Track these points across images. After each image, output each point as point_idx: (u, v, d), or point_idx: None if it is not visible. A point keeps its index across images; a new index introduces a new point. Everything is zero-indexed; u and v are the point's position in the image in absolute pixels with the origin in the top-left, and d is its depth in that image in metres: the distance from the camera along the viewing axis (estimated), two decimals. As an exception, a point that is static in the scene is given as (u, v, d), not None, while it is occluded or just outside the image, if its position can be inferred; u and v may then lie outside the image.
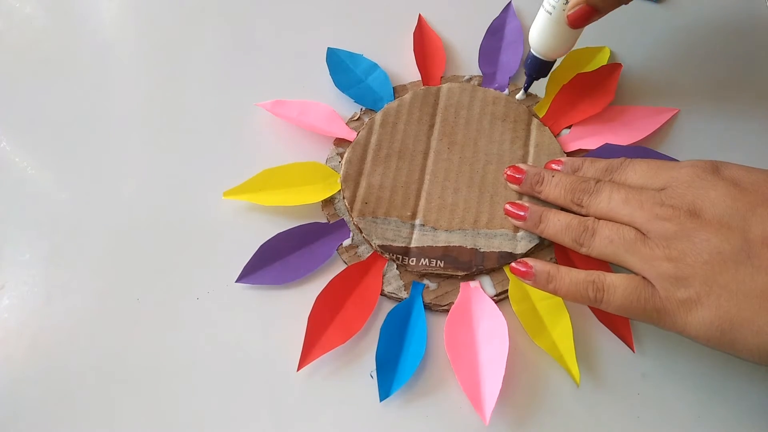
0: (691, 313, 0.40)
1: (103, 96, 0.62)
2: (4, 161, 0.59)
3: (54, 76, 0.64)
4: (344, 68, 0.62)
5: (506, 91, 0.59)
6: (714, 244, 0.40)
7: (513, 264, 0.49)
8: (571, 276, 0.46)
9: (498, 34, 0.63)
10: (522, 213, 0.51)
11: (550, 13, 0.51)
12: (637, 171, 0.48)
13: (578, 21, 0.50)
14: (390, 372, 0.47)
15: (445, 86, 0.59)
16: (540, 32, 0.53)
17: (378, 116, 0.58)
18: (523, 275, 0.48)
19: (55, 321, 0.51)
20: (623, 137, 0.56)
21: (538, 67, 0.55)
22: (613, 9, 0.51)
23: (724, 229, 0.40)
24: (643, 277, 0.43)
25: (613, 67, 0.59)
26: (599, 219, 0.46)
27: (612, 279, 0.44)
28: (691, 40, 0.63)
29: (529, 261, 0.48)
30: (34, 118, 0.61)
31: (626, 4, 0.51)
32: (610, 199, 0.46)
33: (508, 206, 0.52)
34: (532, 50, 0.54)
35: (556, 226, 0.48)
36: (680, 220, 0.42)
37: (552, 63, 0.55)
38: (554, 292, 0.46)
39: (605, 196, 0.46)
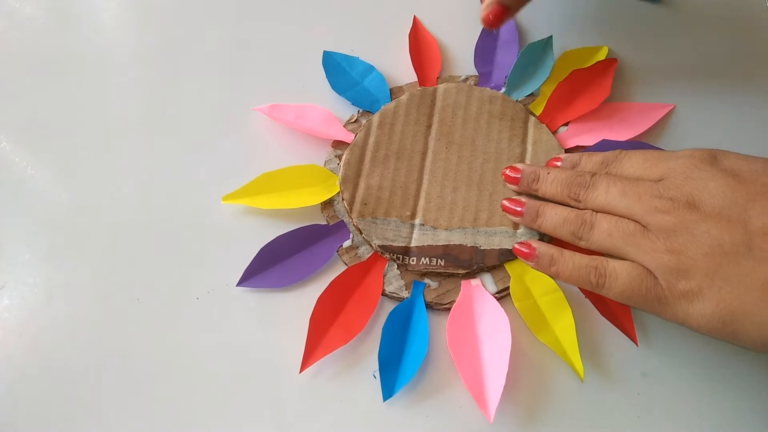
0: (692, 304, 0.40)
1: (102, 96, 0.63)
2: (4, 161, 0.59)
3: (54, 76, 0.64)
4: (340, 71, 0.62)
5: (502, 90, 0.59)
6: (714, 236, 0.40)
7: (516, 245, 0.49)
8: (574, 260, 0.46)
9: (493, 33, 0.63)
10: (519, 209, 0.50)
11: None
12: (633, 162, 0.47)
13: (494, 21, 0.52)
14: (393, 372, 0.47)
15: (441, 86, 0.59)
16: None
17: (375, 118, 0.58)
18: (525, 256, 0.49)
19: (55, 321, 0.51)
20: (620, 133, 0.56)
21: None
22: (521, 7, 0.53)
23: (723, 221, 0.40)
24: (645, 267, 0.42)
25: (608, 63, 0.59)
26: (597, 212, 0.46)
27: (615, 265, 0.44)
28: (687, 36, 0.63)
29: (533, 242, 0.49)
30: (34, 118, 0.61)
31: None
32: (607, 193, 0.46)
33: (505, 202, 0.52)
34: None
35: (554, 220, 0.48)
36: (679, 213, 0.42)
37: None
38: (556, 275, 0.47)
39: (602, 190, 0.46)
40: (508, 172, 0.53)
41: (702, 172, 0.43)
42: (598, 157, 0.50)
